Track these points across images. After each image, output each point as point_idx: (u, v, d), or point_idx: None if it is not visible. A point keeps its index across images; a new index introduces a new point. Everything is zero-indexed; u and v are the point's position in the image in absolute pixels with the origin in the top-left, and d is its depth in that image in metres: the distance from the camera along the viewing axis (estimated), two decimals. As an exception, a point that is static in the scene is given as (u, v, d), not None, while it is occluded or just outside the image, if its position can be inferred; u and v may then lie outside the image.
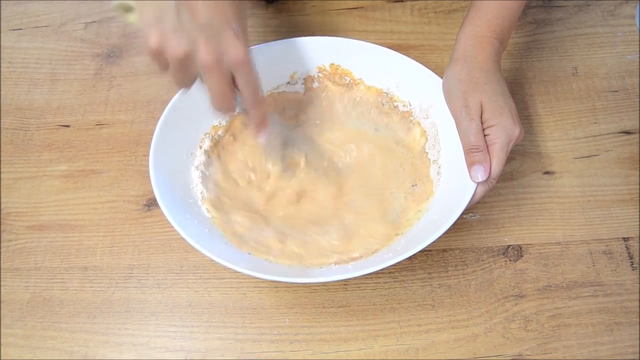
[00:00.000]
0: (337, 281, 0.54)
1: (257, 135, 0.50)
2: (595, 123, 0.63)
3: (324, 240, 0.52)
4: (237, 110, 0.48)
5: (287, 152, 0.56)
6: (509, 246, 0.56)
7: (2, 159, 0.63)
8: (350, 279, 0.53)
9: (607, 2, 0.71)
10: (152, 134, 0.52)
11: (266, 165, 0.56)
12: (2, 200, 0.61)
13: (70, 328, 0.53)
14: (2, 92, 0.68)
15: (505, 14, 0.54)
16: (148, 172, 0.49)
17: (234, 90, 0.46)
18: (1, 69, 0.70)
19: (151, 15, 0.41)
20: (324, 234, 0.52)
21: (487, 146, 0.49)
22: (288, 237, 0.52)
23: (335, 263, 0.50)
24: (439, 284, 0.55)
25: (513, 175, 0.60)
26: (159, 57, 0.42)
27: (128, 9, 0.45)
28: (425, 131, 0.57)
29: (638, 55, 0.67)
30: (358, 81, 0.60)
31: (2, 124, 0.65)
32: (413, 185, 0.55)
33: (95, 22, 0.72)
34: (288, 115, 0.60)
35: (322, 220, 0.54)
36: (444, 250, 0.56)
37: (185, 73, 0.44)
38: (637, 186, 0.59)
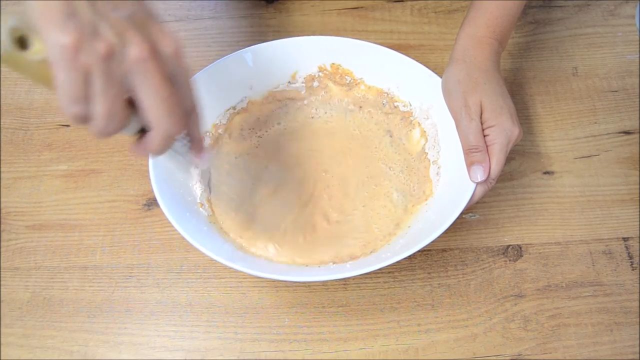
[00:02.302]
0: (337, 280, 0.54)
1: (199, 159, 0.43)
2: (595, 123, 0.63)
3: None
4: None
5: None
6: (508, 246, 0.56)
7: (2, 158, 0.63)
8: (349, 278, 0.53)
9: (607, 2, 0.71)
10: (152, 134, 0.52)
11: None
12: (2, 200, 0.61)
13: (70, 327, 0.53)
14: (2, 92, 0.68)
15: (505, 15, 0.54)
16: (148, 171, 0.49)
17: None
18: (1, 69, 0.70)
19: (59, 12, 0.32)
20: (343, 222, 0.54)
21: (487, 146, 0.49)
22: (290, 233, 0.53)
23: (333, 262, 0.51)
24: (439, 284, 0.55)
25: (513, 175, 0.60)
26: (76, 61, 0.32)
27: (22, 39, 0.33)
28: (425, 131, 0.57)
29: (638, 55, 0.67)
30: (359, 81, 0.60)
31: (2, 123, 0.65)
32: (404, 196, 0.56)
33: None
34: (287, 117, 0.61)
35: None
36: (444, 250, 0.56)
37: (115, 83, 0.33)
38: (637, 186, 0.59)
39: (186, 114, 0.38)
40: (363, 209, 0.55)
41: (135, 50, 0.33)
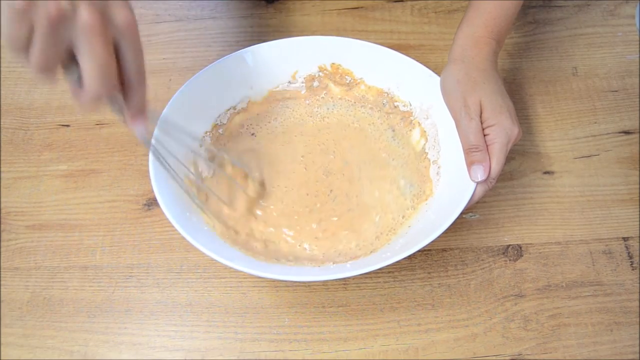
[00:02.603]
0: (337, 280, 0.54)
1: (134, 125, 0.43)
2: (595, 123, 0.63)
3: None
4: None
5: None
6: (508, 246, 0.56)
7: (2, 158, 0.63)
8: (349, 278, 0.53)
9: (607, 2, 0.72)
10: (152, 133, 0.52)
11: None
12: (2, 200, 0.61)
13: (70, 327, 0.53)
14: (2, 92, 0.68)
15: (503, 15, 0.54)
16: (148, 171, 0.49)
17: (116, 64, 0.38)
18: (1, 69, 0.70)
19: None
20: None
21: (487, 146, 0.49)
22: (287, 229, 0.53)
23: (334, 263, 0.51)
24: (439, 284, 0.55)
25: (513, 175, 0.60)
26: (24, 21, 0.34)
27: None
28: (425, 131, 0.57)
29: (638, 55, 0.67)
30: (359, 81, 0.60)
31: (2, 123, 0.65)
32: (412, 186, 0.55)
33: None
34: (286, 115, 0.61)
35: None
36: (444, 250, 0.56)
37: (55, 43, 0.35)
38: (637, 186, 0.59)
39: (127, 83, 0.40)
40: (370, 186, 0.55)
41: (84, 16, 0.34)
